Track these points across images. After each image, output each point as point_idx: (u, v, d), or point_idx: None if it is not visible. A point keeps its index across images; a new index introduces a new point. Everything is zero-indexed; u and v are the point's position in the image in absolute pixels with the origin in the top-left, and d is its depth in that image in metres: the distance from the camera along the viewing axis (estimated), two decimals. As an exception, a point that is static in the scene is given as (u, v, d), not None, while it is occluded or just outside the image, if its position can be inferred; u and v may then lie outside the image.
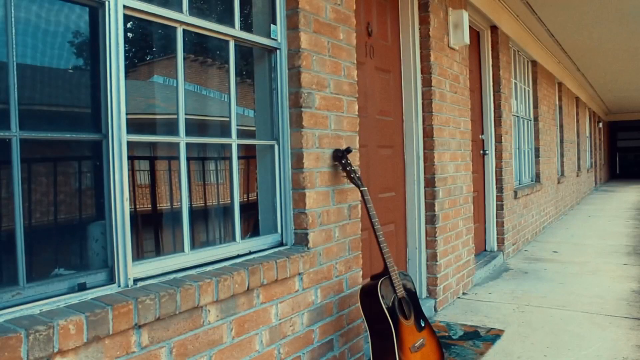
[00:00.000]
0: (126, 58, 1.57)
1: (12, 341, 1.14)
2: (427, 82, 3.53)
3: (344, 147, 2.39)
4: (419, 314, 2.37)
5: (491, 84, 5.16)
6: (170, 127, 1.87)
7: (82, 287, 1.44)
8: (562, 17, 5.90)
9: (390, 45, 3.37)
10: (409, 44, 3.50)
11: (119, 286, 1.52)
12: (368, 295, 2.24)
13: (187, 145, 1.82)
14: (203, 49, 3.04)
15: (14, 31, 1.33)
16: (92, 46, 1.71)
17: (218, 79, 3.41)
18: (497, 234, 5.25)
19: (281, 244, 2.17)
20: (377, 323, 2.22)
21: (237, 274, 1.76)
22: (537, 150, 7.03)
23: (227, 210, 2.43)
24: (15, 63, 1.33)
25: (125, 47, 1.56)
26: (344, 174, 2.33)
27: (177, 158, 1.80)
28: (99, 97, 1.55)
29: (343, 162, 2.30)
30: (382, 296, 2.19)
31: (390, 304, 2.23)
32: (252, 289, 1.85)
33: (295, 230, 2.18)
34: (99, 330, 1.32)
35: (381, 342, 2.21)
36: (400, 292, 2.29)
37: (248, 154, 2.61)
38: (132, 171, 2.59)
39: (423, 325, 2.37)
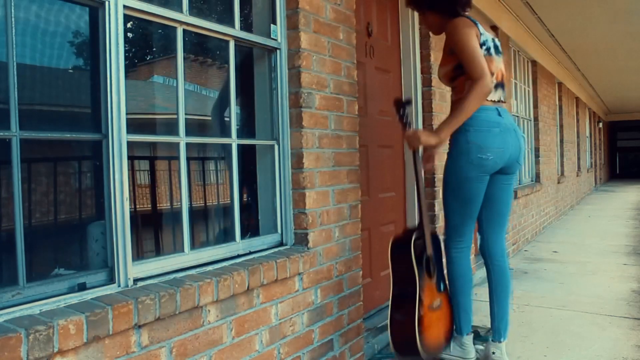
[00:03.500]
0: (126, 58, 1.57)
1: (12, 341, 1.14)
2: (427, 82, 3.52)
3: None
4: (440, 277, 2.44)
5: (491, 84, 5.15)
6: (170, 127, 1.87)
7: (82, 287, 1.44)
8: (562, 17, 5.90)
9: (390, 45, 3.37)
10: (409, 44, 3.50)
11: (119, 286, 1.52)
12: (400, 244, 2.33)
13: (187, 145, 1.82)
14: (203, 49, 3.04)
15: (13, 31, 1.33)
16: (92, 46, 1.71)
17: (218, 79, 3.40)
18: (497, 234, 5.24)
19: (281, 244, 2.17)
20: (403, 272, 2.29)
21: (237, 274, 1.76)
22: (537, 150, 7.03)
23: (226, 210, 2.43)
24: (15, 63, 1.33)
25: (125, 47, 1.56)
26: (400, 124, 2.38)
27: (177, 158, 1.80)
28: (99, 97, 1.55)
29: (401, 112, 2.35)
30: (414, 248, 2.28)
31: (419, 256, 2.31)
32: (252, 288, 1.85)
33: (295, 230, 2.18)
34: (99, 330, 1.32)
35: (404, 287, 2.27)
36: (429, 251, 2.37)
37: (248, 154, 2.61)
38: (132, 171, 2.59)
39: (442, 289, 2.45)
